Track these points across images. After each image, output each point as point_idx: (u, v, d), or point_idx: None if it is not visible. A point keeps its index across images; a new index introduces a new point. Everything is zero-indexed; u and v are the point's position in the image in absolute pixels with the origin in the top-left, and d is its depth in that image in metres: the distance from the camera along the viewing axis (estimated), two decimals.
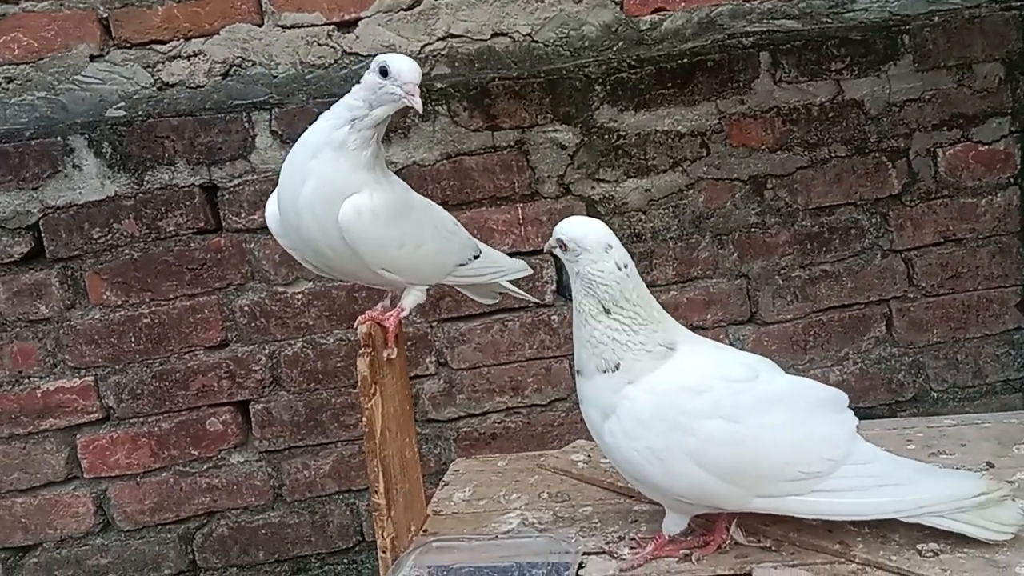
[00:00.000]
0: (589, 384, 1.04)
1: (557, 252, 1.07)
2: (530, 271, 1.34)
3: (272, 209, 1.14)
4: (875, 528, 1.02)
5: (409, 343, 1.79)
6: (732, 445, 0.98)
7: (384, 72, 1.03)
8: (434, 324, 1.82)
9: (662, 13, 1.85)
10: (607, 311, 1.01)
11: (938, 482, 1.02)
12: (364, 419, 1.04)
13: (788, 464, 0.99)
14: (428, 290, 1.18)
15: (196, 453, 1.80)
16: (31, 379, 1.75)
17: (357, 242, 1.06)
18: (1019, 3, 1.84)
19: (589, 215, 1.80)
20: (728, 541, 1.05)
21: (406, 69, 1.03)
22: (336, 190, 1.04)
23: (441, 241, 1.17)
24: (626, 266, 1.03)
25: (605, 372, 1.01)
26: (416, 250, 1.12)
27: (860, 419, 1.06)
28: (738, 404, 1.00)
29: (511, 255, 1.75)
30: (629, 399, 1.00)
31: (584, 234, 1.04)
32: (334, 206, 1.04)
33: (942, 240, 1.87)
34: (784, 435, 1.00)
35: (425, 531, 1.17)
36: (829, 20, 1.87)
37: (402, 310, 1.13)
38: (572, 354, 1.79)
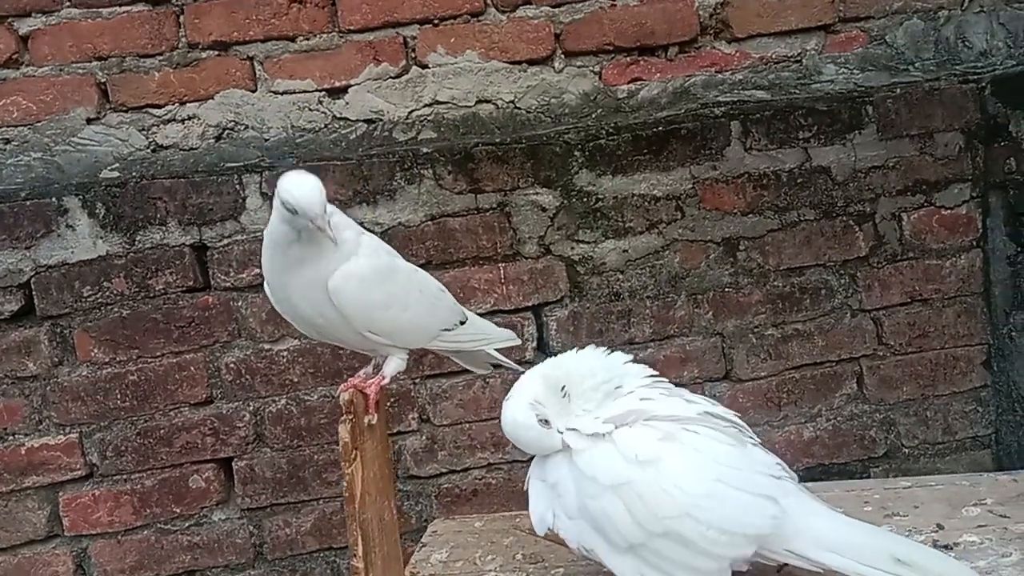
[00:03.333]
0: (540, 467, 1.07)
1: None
2: (518, 341, 1.36)
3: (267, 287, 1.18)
4: None
5: (392, 399, 1.82)
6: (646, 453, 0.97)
7: (292, 211, 1.05)
8: (417, 381, 1.85)
9: (639, 83, 1.95)
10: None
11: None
12: (345, 484, 1.08)
13: (689, 516, 0.96)
14: (409, 356, 1.22)
15: (178, 510, 1.81)
16: (16, 436, 1.77)
17: (345, 306, 1.10)
18: (976, 77, 1.95)
19: (569, 275, 1.86)
20: None
21: (307, 205, 1.03)
22: (321, 277, 1.10)
23: (427, 305, 1.21)
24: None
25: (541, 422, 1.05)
26: (402, 313, 1.16)
27: (833, 475, 1.08)
28: (673, 426, 0.99)
29: (493, 313, 1.82)
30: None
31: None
32: (323, 281, 1.10)
33: (909, 300, 1.94)
34: (705, 482, 0.97)
35: None
36: (797, 91, 1.97)
37: (383, 378, 1.17)
38: None
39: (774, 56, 1.97)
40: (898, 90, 1.92)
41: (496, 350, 1.30)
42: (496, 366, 1.37)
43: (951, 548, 1.11)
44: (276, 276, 1.13)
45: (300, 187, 1.05)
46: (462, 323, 1.24)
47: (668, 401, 1.04)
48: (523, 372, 1.11)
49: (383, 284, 1.13)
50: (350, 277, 1.10)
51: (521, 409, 1.04)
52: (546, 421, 1.04)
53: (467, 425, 1.87)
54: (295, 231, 1.07)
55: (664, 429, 0.99)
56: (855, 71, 1.98)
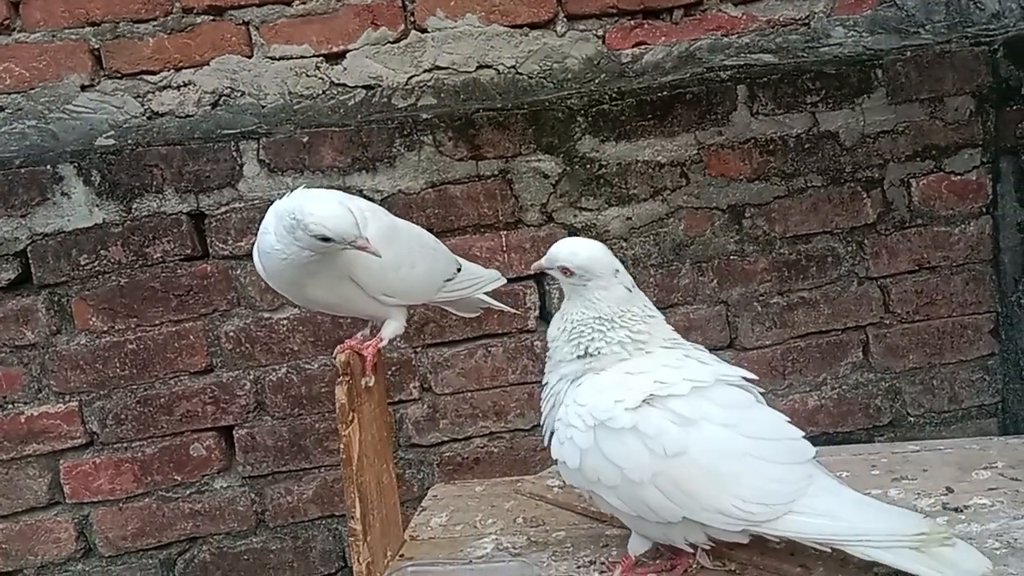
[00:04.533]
0: (555, 371, 1.05)
1: (555, 275, 1.06)
2: (504, 280, 1.37)
3: (260, 266, 1.16)
4: (837, 551, 1.03)
5: (393, 368, 1.81)
6: (671, 446, 0.96)
7: (326, 239, 1.02)
8: (418, 349, 1.84)
9: (643, 47, 1.91)
10: (599, 317, 1.02)
11: (876, 515, 0.98)
12: (342, 446, 1.06)
13: (726, 493, 0.96)
14: (409, 317, 1.21)
15: (179, 478, 1.81)
16: (15, 404, 1.76)
17: (359, 275, 1.10)
18: (988, 39, 1.90)
19: None
20: (694, 565, 1.06)
21: (345, 232, 1.01)
22: (339, 270, 1.09)
23: (429, 259, 1.21)
24: (633, 288, 1.04)
25: (576, 359, 1.02)
26: (411, 270, 1.16)
27: (837, 444, 1.06)
28: (691, 405, 0.97)
29: None
30: (593, 376, 1.01)
31: (591, 260, 1.03)
32: (340, 275, 1.09)
33: (917, 268, 1.91)
34: (733, 460, 0.98)
35: (401, 556, 1.18)
36: (805, 54, 1.92)
37: (381, 340, 1.15)
38: None
39: (781, 19, 1.93)
40: (908, 53, 1.88)
41: (487, 294, 1.29)
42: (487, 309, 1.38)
43: (961, 511, 1.09)
44: (288, 286, 1.12)
45: (333, 219, 1.01)
46: (459, 270, 1.24)
47: (686, 370, 1.02)
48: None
49: (391, 245, 1.12)
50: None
51: (572, 253, 1.05)
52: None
53: (468, 394, 1.86)
54: (309, 251, 1.05)
55: (685, 413, 0.98)
56: (864, 34, 1.94)
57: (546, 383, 1.09)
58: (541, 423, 1.10)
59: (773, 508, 0.96)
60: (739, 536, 0.99)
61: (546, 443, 1.07)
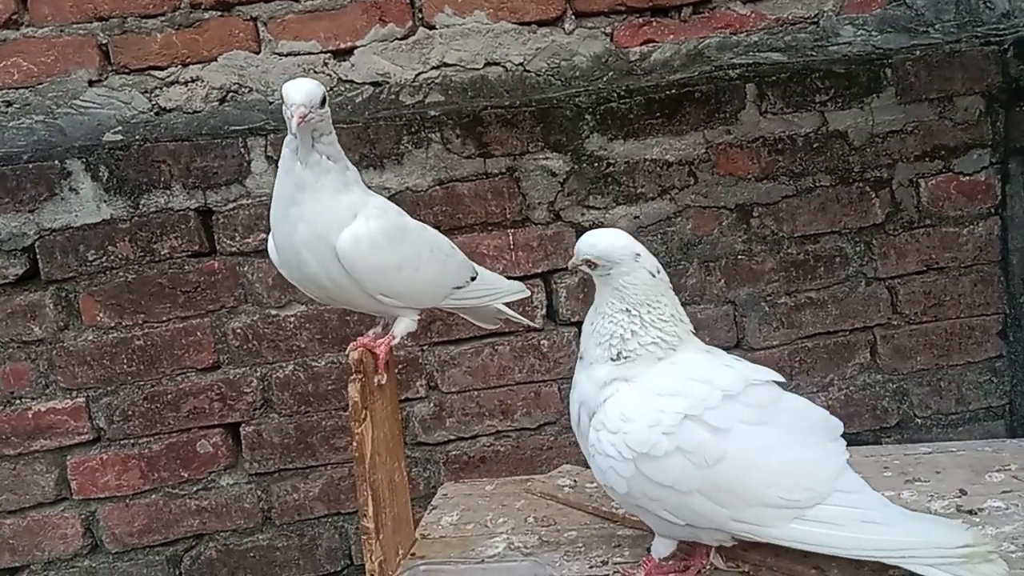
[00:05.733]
0: (585, 372, 1.04)
1: (584, 270, 1.06)
2: (527, 292, 1.35)
3: (272, 246, 1.16)
4: None
5: (400, 366, 1.81)
6: (712, 455, 0.97)
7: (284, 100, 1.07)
8: (425, 348, 1.84)
9: (651, 45, 1.90)
10: (627, 311, 1.02)
11: (924, 527, 0.99)
12: (355, 444, 1.06)
13: (769, 487, 0.97)
14: (420, 317, 1.20)
15: (186, 475, 1.81)
16: (23, 400, 1.76)
17: (356, 270, 1.08)
18: (998, 39, 1.89)
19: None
20: (707, 566, 1.06)
21: (289, 94, 1.06)
22: (328, 224, 1.07)
23: (438, 264, 1.18)
24: (658, 271, 1.04)
25: (608, 361, 1.02)
26: (414, 273, 1.14)
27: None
28: (724, 413, 0.99)
29: None
30: (616, 395, 1.01)
31: (611, 247, 1.03)
32: (330, 239, 1.07)
33: (925, 268, 1.91)
34: (770, 455, 0.99)
35: (413, 554, 1.18)
36: (814, 53, 1.92)
37: (393, 338, 1.15)
38: (562, 378, 1.83)
39: (790, 17, 1.92)
40: (917, 52, 1.87)
41: (506, 304, 1.28)
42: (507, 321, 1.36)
43: (975, 513, 1.09)
44: (279, 225, 1.10)
45: (291, 82, 1.07)
46: (473, 279, 1.22)
47: (716, 379, 1.02)
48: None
49: (394, 246, 1.11)
50: (359, 240, 1.07)
51: (593, 244, 1.05)
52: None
53: (475, 392, 1.85)
54: (293, 151, 1.06)
55: (719, 424, 0.99)
56: (874, 32, 1.93)
57: (574, 383, 1.08)
58: (571, 419, 1.09)
59: (817, 492, 0.98)
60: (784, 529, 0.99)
61: (576, 431, 1.07)
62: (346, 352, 1.11)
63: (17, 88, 1.79)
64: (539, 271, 1.84)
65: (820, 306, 1.89)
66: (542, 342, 1.85)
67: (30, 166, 1.74)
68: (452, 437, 1.86)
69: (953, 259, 1.91)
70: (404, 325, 1.15)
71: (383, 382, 1.13)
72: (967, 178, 1.90)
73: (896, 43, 1.92)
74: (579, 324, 1.76)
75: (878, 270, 1.90)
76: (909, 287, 1.91)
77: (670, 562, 1.07)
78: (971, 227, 1.91)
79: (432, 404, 1.85)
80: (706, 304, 1.88)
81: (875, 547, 0.97)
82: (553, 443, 1.87)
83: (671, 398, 0.99)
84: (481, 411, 1.86)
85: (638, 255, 1.04)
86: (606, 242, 1.04)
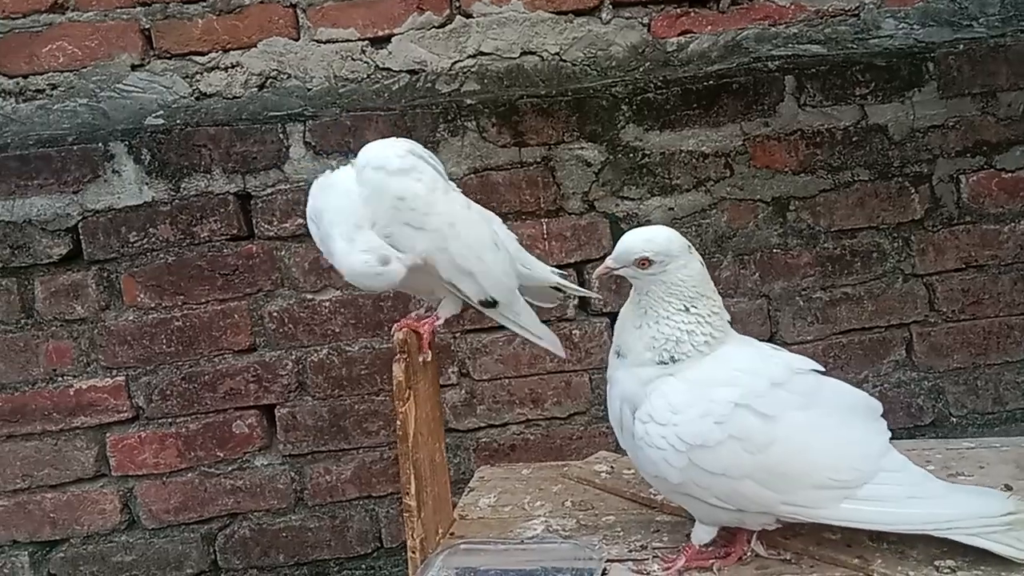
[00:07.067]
0: (627, 370, 1.04)
1: (631, 271, 1.03)
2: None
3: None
4: (894, 543, 1.03)
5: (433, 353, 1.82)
6: (762, 441, 0.98)
7: None
8: (457, 335, 1.85)
9: (689, 35, 1.89)
10: (687, 309, 1.01)
11: (966, 499, 1.02)
12: (398, 423, 1.07)
13: (818, 469, 0.99)
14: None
15: (221, 455, 1.83)
16: (65, 377, 1.80)
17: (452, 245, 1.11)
18: None
19: (612, 233, 1.83)
20: (749, 553, 1.06)
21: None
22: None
23: (510, 242, 1.22)
24: (702, 261, 1.05)
25: (660, 364, 1.01)
26: (498, 252, 1.16)
27: None
28: (772, 400, 0.99)
29: None
30: (661, 387, 1.00)
31: (669, 241, 1.02)
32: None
33: (964, 266, 1.88)
34: (817, 437, 1.00)
35: (452, 534, 1.19)
36: (854, 45, 1.90)
37: (437, 318, 1.16)
38: (592, 368, 1.83)
39: (831, 9, 1.90)
40: (961, 46, 1.85)
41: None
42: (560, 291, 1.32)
43: None
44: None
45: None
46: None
47: (763, 368, 1.03)
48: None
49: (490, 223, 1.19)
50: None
51: (647, 241, 1.05)
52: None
53: (506, 380, 1.86)
54: None
55: (767, 410, 1.00)
56: (915, 26, 1.91)
57: (614, 379, 1.06)
58: (609, 413, 1.09)
59: (864, 471, 1.00)
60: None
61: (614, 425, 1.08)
62: (391, 332, 1.12)
63: (62, 72, 1.82)
64: (572, 261, 1.84)
65: (856, 302, 1.87)
66: (573, 332, 1.85)
67: (74, 148, 1.77)
68: (483, 424, 1.87)
69: (993, 257, 1.88)
70: (449, 307, 1.16)
71: (428, 359, 1.14)
72: (1009, 175, 1.87)
73: (939, 36, 1.89)
74: (611, 315, 1.77)
75: (916, 267, 1.88)
76: (947, 284, 1.88)
77: (710, 548, 1.07)
78: (1012, 225, 1.88)
79: (464, 391, 1.86)
80: (740, 297, 1.87)
81: (923, 521, 0.99)
82: (583, 432, 1.88)
83: (720, 388, 1.00)
84: (512, 399, 1.87)
85: (690, 246, 1.04)
86: (663, 236, 1.02)
